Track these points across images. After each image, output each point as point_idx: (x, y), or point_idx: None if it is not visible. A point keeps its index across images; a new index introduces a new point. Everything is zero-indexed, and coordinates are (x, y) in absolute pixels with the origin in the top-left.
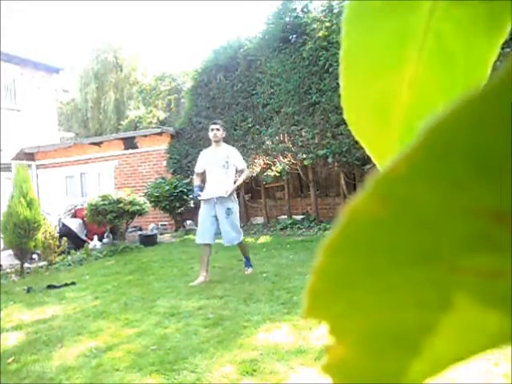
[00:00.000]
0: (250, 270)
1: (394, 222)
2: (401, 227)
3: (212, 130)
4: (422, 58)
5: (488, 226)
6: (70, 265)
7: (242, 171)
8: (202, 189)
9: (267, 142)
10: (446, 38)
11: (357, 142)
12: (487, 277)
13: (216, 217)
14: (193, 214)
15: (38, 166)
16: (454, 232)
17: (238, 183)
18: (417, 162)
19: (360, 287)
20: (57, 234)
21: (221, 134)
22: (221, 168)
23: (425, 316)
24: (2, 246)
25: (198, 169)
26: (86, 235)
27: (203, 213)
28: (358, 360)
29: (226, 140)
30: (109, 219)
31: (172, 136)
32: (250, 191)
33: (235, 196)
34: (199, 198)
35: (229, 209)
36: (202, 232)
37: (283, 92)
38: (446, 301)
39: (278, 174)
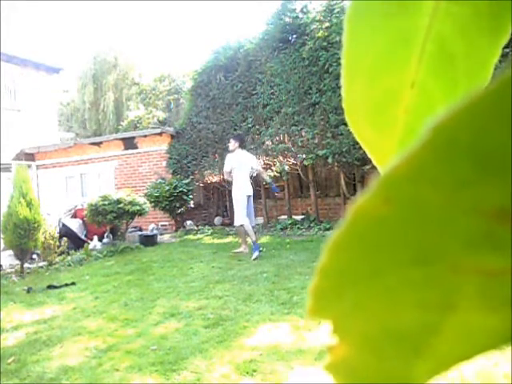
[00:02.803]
0: (256, 254)
1: (397, 222)
2: (404, 226)
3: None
4: (423, 59)
5: (491, 224)
6: (70, 265)
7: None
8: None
9: (267, 143)
10: (448, 39)
11: (357, 143)
12: (489, 276)
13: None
14: (193, 214)
15: (38, 167)
16: (457, 231)
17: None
18: (421, 162)
19: (363, 287)
20: (57, 234)
21: (232, 145)
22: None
23: (427, 316)
24: (2, 246)
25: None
26: (85, 235)
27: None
28: (360, 359)
29: (225, 139)
30: (109, 219)
31: (172, 136)
32: None
33: (246, 189)
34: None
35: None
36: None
37: (283, 92)
38: (448, 301)
39: (278, 175)
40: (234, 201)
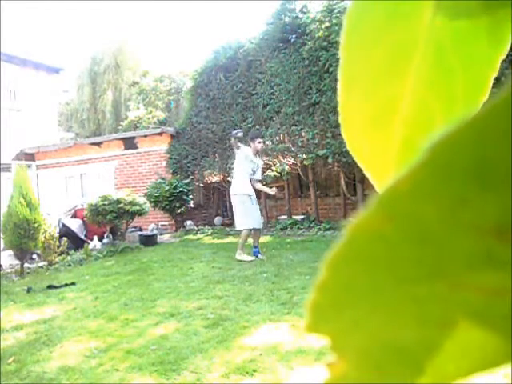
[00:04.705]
0: (260, 257)
1: (397, 238)
2: (404, 243)
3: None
4: (421, 72)
5: (490, 242)
6: (69, 265)
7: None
8: None
9: (267, 143)
10: (446, 52)
11: None
12: (490, 294)
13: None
14: (193, 214)
15: (38, 167)
16: (457, 249)
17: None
18: (421, 179)
19: (362, 303)
20: (57, 234)
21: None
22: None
23: (427, 333)
24: (2, 246)
25: None
26: (85, 235)
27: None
28: (359, 376)
29: (225, 139)
30: (109, 219)
31: (172, 136)
32: None
33: (249, 190)
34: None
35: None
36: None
37: (283, 92)
38: (447, 318)
39: (278, 174)
40: (254, 201)
